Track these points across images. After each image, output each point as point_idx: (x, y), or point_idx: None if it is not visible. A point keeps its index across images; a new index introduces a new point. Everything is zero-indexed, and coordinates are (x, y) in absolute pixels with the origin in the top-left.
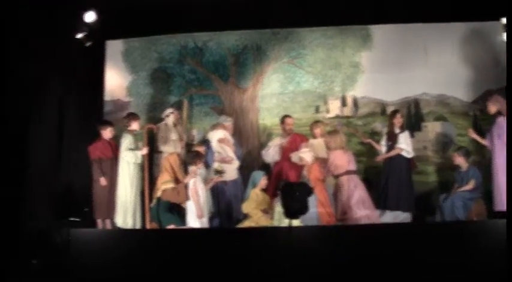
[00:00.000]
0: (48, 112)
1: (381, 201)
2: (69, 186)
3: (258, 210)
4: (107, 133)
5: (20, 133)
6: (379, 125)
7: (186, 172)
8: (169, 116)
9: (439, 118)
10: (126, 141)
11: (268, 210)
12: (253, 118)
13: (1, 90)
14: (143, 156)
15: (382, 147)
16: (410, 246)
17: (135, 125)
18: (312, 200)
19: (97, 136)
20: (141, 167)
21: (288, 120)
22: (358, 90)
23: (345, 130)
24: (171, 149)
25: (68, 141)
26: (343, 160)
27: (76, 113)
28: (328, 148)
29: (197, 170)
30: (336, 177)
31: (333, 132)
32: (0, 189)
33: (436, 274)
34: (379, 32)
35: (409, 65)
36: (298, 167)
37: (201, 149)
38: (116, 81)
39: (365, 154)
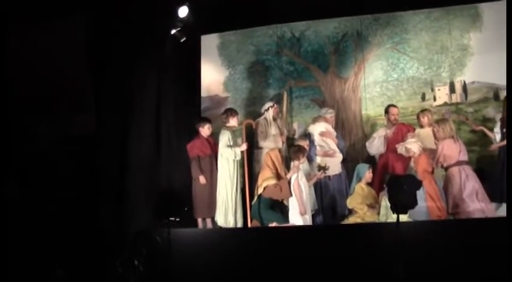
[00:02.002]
0: (147, 110)
1: (496, 194)
2: (169, 185)
3: (364, 205)
4: (205, 130)
5: (120, 131)
6: (492, 111)
7: (288, 168)
8: (269, 110)
9: None
10: (225, 137)
11: (374, 205)
12: (356, 109)
13: (102, 89)
14: (242, 152)
15: (496, 135)
16: None
17: (233, 121)
18: (420, 194)
19: (195, 134)
20: (241, 163)
21: (393, 110)
22: (468, 74)
23: (454, 118)
24: (271, 145)
25: (167, 139)
26: (453, 150)
27: (174, 110)
28: (437, 138)
29: (299, 165)
30: (446, 168)
31: (441, 121)
32: (101, 188)
33: None
34: (490, 10)
35: None
36: (405, 159)
37: (303, 143)
38: (212, 76)
39: (477, 143)
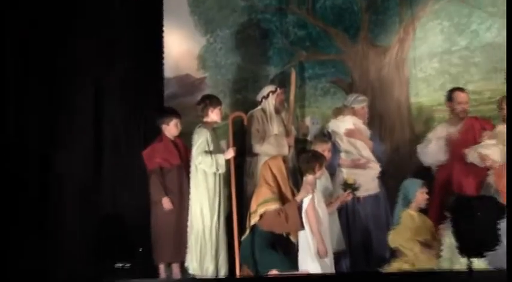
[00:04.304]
0: (81, 102)
1: None
2: (115, 214)
3: (415, 243)
4: (171, 129)
5: (41, 135)
6: None
7: (297, 185)
8: (268, 98)
9: None
10: (202, 139)
11: (431, 243)
12: (401, 95)
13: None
14: (228, 162)
15: None
16: None
17: (214, 115)
18: (505, 226)
19: (156, 134)
20: (226, 179)
21: (460, 96)
22: None
23: None
24: (272, 150)
25: (112, 144)
26: None
27: (121, 101)
28: None
29: (315, 180)
30: None
31: None
32: (17, 217)
33: None
34: None
35: None
36: (479, 171)
37: (321, 148)
38: (181, 47)
39: None
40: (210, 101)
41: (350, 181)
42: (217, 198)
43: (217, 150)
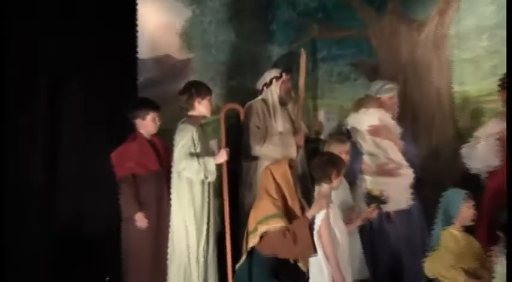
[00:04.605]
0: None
1: None
2: (74, 233)
3: (459, 272)
4: (147, 124)
5: None
6: None
7: (308, 197)
8: (272, 86)
9: None
10: (186, 139)
11: (479, 272)
12: (441, 81)
13: None
14: (220, 167)
15: None
16: None
17: (202, 107)
18: None
19: (128, 132)
20: (217, 189)
21: None
22: None
23: None
24: (276, 152)
25: (67, 144)
26: None
27: (83, 90)
28: None
29: (331, 191)
30: None
31: None
32: None
33: None
34: None
35: None
36: None
37: (338, 150)
38: (159, 19)
39: None
40: (197, 89)
41: (375, 192)
42: (205, 214)
43: (206, 152)
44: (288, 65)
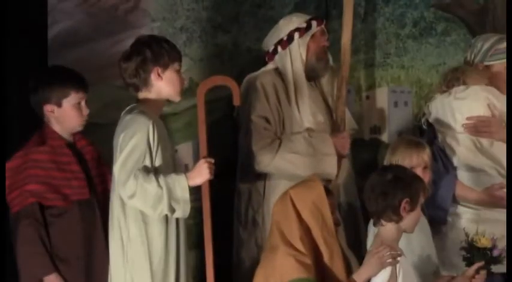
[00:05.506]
0: None
1: None
2: None
3: None
4: (66, 115)
5: None
6: None
7: (357, 247)
8: (293, 44)
9: None
10: (137, 140)
11: None
12: None
13: None
14: (198, 191)
15: None
16: None
17: (164, 83)
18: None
19: (33, 130)
20: (192, 230)
21: None
22: None
23: None
24: (301, 165)
25: None
26: None
27: None
28: None
29: (399, 235)
30: None
31: None
32: None
33: None
34: None
35: None
36: None
37: (411, 161)
38: None
39: None
40: (155, 51)
41: (482, 242)
42: (171, 275)
43: (172, 165)
44: (323, 7)
